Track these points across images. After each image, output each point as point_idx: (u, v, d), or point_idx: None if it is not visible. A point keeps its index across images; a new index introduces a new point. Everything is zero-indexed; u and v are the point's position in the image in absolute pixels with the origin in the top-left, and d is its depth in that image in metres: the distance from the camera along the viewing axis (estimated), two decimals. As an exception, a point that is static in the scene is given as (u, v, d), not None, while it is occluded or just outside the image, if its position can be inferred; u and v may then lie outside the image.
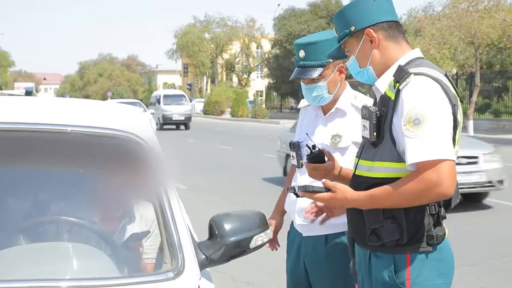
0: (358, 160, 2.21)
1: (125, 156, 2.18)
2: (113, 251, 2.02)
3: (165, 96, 31.93)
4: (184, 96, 33.08)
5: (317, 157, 2.44)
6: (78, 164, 2.20)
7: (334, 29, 2.32)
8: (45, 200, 2.15)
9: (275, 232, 2.98)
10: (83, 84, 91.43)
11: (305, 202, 2.75)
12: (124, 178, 2.22)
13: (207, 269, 2.10)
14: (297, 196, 2.25)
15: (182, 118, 30.15)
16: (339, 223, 2.59)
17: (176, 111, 30.20)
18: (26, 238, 1.99)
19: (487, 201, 8.72)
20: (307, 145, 2.52)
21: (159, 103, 31.00)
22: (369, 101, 2.71)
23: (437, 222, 2.09)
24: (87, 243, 2.03)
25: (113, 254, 2.01)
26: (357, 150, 2.63)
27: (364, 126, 2.13)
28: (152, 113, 24.76)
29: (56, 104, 2.50)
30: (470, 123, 20.75)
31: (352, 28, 2.18)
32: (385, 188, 2.02)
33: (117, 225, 2.15)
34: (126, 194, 2.26)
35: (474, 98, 21.73)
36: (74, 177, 2.22)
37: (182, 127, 30.59)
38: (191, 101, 34.83)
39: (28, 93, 25.29)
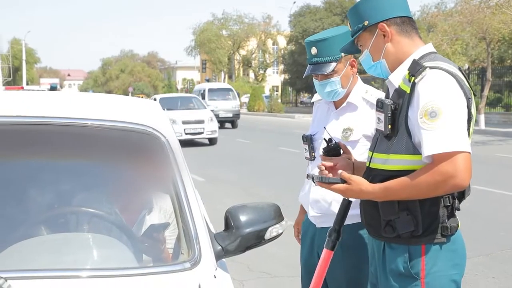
0: (372, 154, 2.18)
1: (143, 149, 2.17)
2: (131, 242, 2.01)
3: (210, 90, 27.44)
4: (232, 90, 28.18)
5: (333, 150, 2.42)
6: (98, 157, 2.20)
7: (348, 24, 2.29)
8: (66, 191, 2.14)
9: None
10: (105, 80, 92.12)
11: (319, 194, 2.74)
12: (142, 170, 2.22)
13: (223, 259, 2.09)
14: (314, 183, 2.24)
15: (230, 115, 25.89)
16: (352, 214, 2.56)
17: (222, 107, 25.86)
18: (47, 228, 1.99)
19: (499, 193, 8.62)
20: (324, 138, 2.50)
21: (203, 98, 25.91)
22: (380, 95, 2.67)
23: (451, 214, 2.06)
24: (106, 234, 2.03)
25: (132, 244, 2.00)
26: (367, 143, 2.60)
27: (378, 118, 2.11)
28: (212, 110, 21.17)
29: (77, 99, 2.50)
30: (482, 117, 20.55)
31: (366, 23, 2.16)
32: (401, 180, 1.99)
33: (136, 216, 2.15)
34: (145, 186, 2.25)
35: (486, 92, 21.51)
36: (94, 169, 2.22)
37: (229, 125, 26.21)
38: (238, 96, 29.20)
39: (53, 88, 25.54)
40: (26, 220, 2.02)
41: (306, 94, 43.04)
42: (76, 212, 2.06)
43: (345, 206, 2.28)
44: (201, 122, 17.71)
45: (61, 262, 1.87)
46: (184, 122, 17.50)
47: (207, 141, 18.16)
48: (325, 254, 2.32)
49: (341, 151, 2.42)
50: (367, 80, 22.02)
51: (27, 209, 2.06)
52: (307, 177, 2.34)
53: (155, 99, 19.17)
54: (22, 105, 2.16)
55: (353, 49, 2.32)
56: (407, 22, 2.16)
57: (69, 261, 1.88)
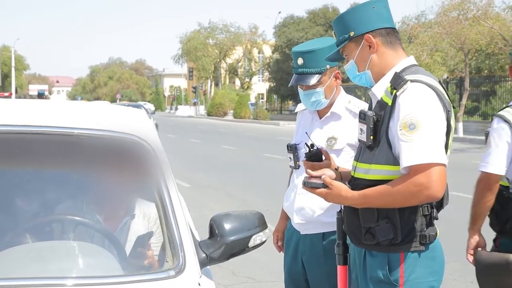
0: (357, 163, 2.18)
1: (129, 157, 2.15)
2: (117, 250, 1.99)
3: None
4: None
5: (315, 156, 2.42)
6: (84, 165, 2.18)
7: (333, 33, 2.29)
8: (52, 200, 2.12)
9: (282, 236, 2.98)
10: (93, 86, 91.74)
11: (303, 202, 2.73)
12: (128, 178, 2.19)
13: (208, 266, 2.07)
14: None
15: None
16: (335, 221, 2.56)
17: None
18: (33, 237, 1.96)
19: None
20: (306, 143, 2.51)
21: None
22: (363, 105, 2.69)
23: (430, 223, 2.07)
24: (92, 242, 2.00)
25: (117, 252, 1.98)
26: (351, 151, 2.61)
27: (361, 129, 2.11)
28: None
29: (63, 107, 2.47)
30: (460, 125, 20.79)
31: (352, 33, 2.15)
32: (378, 188, 2.01)
33: (120, 224, 2.12)
34: (130, 194, 2.23)
35: (464, 101, 21.76)
36: (80, 178, 2.20)
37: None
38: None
39: (40, 95, 25.41)
40: (12, 229, 1.99)
41: (290, 102, 43.18)
42: (62, 220, 2.03)
43: (340, 218, 2.28)
44: None
45: (46, 270, 1.84)
46: None
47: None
48: (341, 271, 2.32)
49: (323, 157, 2.43)
50: (350, 89, 22.17)
51: (13, 217, 2.03)
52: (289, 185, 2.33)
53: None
54: (8, 114, 2.13)
55: (338, 58, 2.33)
56: (392, 34, 2.16)
57: (54, 269, 1.86)
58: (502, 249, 2.81)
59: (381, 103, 2.08)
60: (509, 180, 2.79)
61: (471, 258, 2.95)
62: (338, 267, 2.32)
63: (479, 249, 2.85)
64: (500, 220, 2.83)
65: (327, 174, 2.23)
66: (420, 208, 2.03)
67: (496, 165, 2.74)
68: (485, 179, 2.78)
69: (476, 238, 2.89)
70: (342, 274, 2.31)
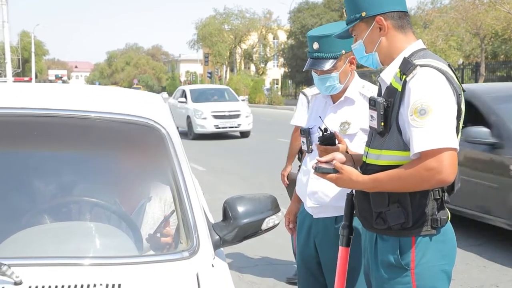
0: (368, 149, 2.17)
1: (144, 141, 2.16)
2: (132, 231, 2.01)
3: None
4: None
5: (329, 140, 2.41)
6: (100, 148, 2.19)
7: (344, 11, 2.25)
8: (69, 181, 2.14)
9: (294, 218, 2.98)
10: (111, 72, 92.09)
11: (316, 186, 2.73)
12: (143, 161, 2.21)
13: (221, 249, 2.08)
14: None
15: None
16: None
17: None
18: (50, 217, 1.99)
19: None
20: (319, 127, 2.49)
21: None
22: (376, 90, 2.66)
23: (441, 206, 2.05)
24: (107, 223, 2.02)
25: (132, 233, 2.00)
26: (364, 136, 2.59)
27: (371, 116, 2.09)
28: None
29: (80, 91, 2.49)
30: (475, 111, 20.50)
31: (363, 14, 2.11)
32: (389, 172, 1.99)
33: (136, 206, 2.14)
34: (145, 177, 2.25)
35: (479, 87, 21.48)
36: (96, 160, 2.22)
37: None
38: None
39: (58, 78, 25.96)
40: (30, 209, 2.01)
41: (305, 87, 42.99)
42: (79, 201, 2.05)
43: (350, 201, 2.27)
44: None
45: (63, 250, 1.86)
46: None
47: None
48: (342, 252, 2.31)
49: (336, 141, 2.42)
50: (365, 75, 22.00)
51: (31, 198, 2.06)
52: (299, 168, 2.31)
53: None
54: (27, 97, 2.15)
55: (347, 36, 2.29)
56: (403, 17, 2.12)
57: (71, 249, 1.88)
58: None
59: (391, 89, 2.05)
60: None
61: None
62: (340, 248, 2.31)
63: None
64: None
65: (337, 157, 2.22)
66: (431, 192, 2.02)
67: None
68: None
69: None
70: (343, 255, 2.31)
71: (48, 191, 2.09)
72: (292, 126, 4.49)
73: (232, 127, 16.73)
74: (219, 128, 16.64)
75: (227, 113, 16.70)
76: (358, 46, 2.19)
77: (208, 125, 16.55)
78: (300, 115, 4.28)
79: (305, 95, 4.41)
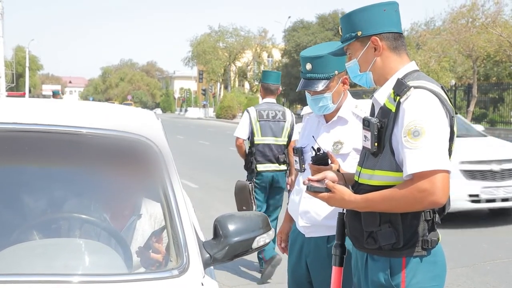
0: (361, 169, 2.17)
1: (136, 158, 2.15)
2: (122, 248, 1.99)
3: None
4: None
5: (321, 159, 2.41)
6: (92, 164, 2.18)
7: (339, 28, 2.26)
8: (60, 197, 2.12)
9: (286, 238, 2.97)
10: (105, 87, 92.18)
11: (308, 205, 2.72)
12: (134, 178, 2.20)
13: (211, 267, 2.07)
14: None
15: None
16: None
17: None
18: (40, 233, 1.97)
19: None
20: (312, 147, 2.49)
21: None
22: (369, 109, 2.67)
23: (432, 228, 2.06)
24: (97, 240, 2.01)
25: (122, 251, 1.98)
26: (357, 156, 2.59)
27: (365, 136, 2.09)
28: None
29: (73, 107, 2.48)
30: (467, 132, 20.63)
31: (359, 33, 2.13)
32: (382, 192, 2.00)
33: (126, 223, 2.13)
34: (136, 194, 2.24)
35: (472, 108, 21.65)
36: (87, 176, 2.20)
37: None
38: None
39: (55, 94, 25.84)
40: (19, 225, 1.99)
41: (299, 106, 43.16)
42: (68, 218, 2.04)
43: (341, 220, 2.27)
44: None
45: (52, 267, 1.84)
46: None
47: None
48: (336, 272, 2.30)
49: (329, 161, 2.42)
50: (358, 94, 22.10)
51: (20, 214, 2.04)
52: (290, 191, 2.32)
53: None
54: (19, 112, 2.14)
55: (341, 54, 2.30)
56: (398, 39, 2.14)
57: (60, 266, 1.86)
58: None
59: (384, 110, 2.06)
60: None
61: None
62: (333, 267, 2.31)
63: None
64: None
65: (328, 176, 2.22)
66: (423, 213, 2.02)
67: None
68: None
69: None
70: (336, 275, 2.30)
71: (37, 207, 2.07)
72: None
73: None
74: None
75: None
76: (352, 65, 2.20)
77: None
78: (242, 130, 5.30)
79: (248, 112, 5.32)
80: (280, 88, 5.70)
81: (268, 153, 5.22)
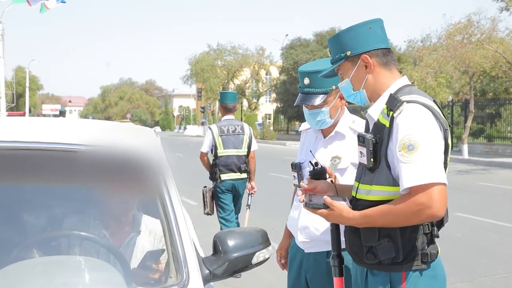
0: (358, 184, 2.17)
1: (135, 174, 2.16)
2: (121, 265, 1.99)
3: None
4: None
5: (319, 174, 2.41)
6: (90, 181, 2.18)
7: (328, 50, 2.29)
8: (59, 215, 2.12)
9: (286, 254, 2.96)
10: (104, 106, 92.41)
11: (308, 221, 2.72)
12: (133, 195, 2.20)
13: (211, 283, 2.06)
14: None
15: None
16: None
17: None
18: (39, 251, 1.96)
19: (481, 220, 8.61)
20: (310, 161, 2.50)
21: None
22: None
23: (431, 241, 2.06)
24: (97, 257, 2.00)
25: (122, 267, 1.97)
26: (355, 170, 2.60)
27: (361, 152, 2.10)
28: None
29: (71, 125, 2.49)
30: (465, 147, 20.67)
31: (348, 53, 2.15)
32: (379, 208, 2.00)
33: (126, 240, 2.12)
34: (135, 210, 2.23)
35: (469, 123, 21.69)
36: (86, 193, 2.20)
37: None
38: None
39: (62, 113, 26.13)
40: (19, 243, 1.99)
41: (297, 123, 43.27)
42: (68, 235, 2.03)
43: (335, 230, 2.26)
44: None
45: (51, 284, 1.83)
46: None
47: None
48: (337, 283, 2.29)
49: (327, 175, 2.42)
50: (356, 110, 22.16)
51: (20, 232, 2.04)
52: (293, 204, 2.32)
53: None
54: (18, 131, 2.15)
55: (333, 75, 2.32)
56: (387, 54, 2.16)
57: (60, 284, 1.85)
58: None
59: (378, 125, 2.07)
60: None
61: None
62: (334, 278, 2.30)
63: None
64: None
65: (318, 187, 2.23)
66: (421, 226, 2.02)
67: None
68: None
69: None
70: (338, 286, 2.29)
71: (37, 225, 2.07)
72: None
73: None
74: None
75: None
76: (345, 85, 2.22)
77: None
78: (205, 144, 6.12)
79: (210, 129, 6.08)
80: (237, 106, 6.65)
81: (230, 163, 6.04)
